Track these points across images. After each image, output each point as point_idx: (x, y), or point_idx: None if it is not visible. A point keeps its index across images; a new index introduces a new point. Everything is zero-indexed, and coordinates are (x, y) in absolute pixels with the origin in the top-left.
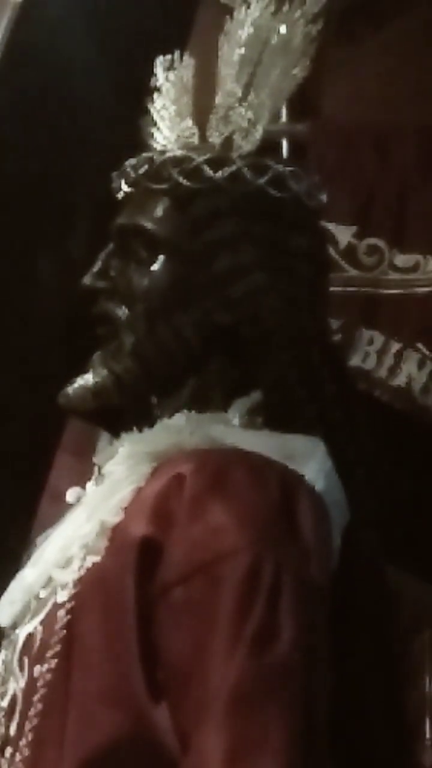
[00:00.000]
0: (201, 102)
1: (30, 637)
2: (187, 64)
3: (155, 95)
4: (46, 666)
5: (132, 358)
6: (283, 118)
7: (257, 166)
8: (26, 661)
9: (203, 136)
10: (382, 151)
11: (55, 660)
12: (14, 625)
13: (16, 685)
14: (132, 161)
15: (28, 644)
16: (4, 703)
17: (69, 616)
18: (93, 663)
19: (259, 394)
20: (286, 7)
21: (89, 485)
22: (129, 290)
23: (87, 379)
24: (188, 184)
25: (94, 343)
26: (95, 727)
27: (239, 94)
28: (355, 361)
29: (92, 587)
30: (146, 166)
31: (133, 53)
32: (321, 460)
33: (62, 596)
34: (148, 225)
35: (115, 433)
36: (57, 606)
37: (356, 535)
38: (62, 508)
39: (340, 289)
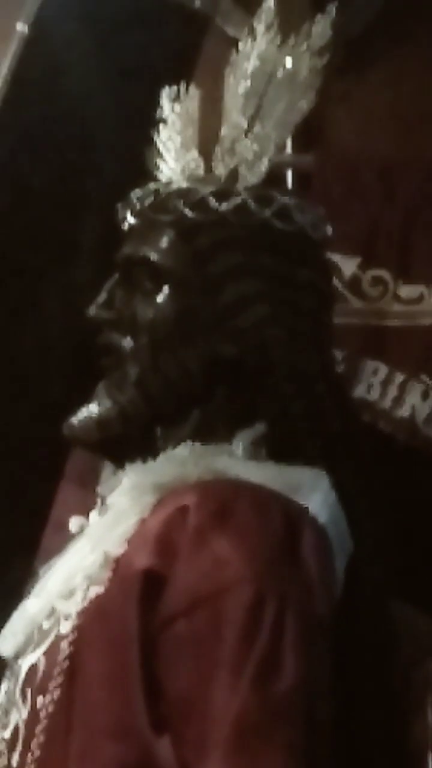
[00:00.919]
0: (206, 134)
1: (33, 668)
2: (192, 96)
3: (161, 127)
4: (48, 697)
5: (136, 389)
6: (289, 149)
7: (262, 198)
8: (29, 692)
9: (209, 168)
10: (387, 182)
11: (58, 691)
12: (17, 656)
13: (19, 716)
14: (137, 192)
15: (30, 675)
16: (7, 734)
17: (72, 648)
18: (95, 694)
19: (263, 425)
20: (292, 40)
21: (93, 516)
22: (134, 321)
23: (91, 410)
24: (193, 215)
25: (99, 374)
26: (97, 759)
27: (245, 126)
28: (359, 391)
29: (95, 618)
30: (151, 198)
31: (139, 85)
32: (325, 492)
33: (65, 627)
34: (153, 256)
35: (119, 463)
36: (60, 637)
37: (359, 568)
38: (66, 538)
39: (344, 320)
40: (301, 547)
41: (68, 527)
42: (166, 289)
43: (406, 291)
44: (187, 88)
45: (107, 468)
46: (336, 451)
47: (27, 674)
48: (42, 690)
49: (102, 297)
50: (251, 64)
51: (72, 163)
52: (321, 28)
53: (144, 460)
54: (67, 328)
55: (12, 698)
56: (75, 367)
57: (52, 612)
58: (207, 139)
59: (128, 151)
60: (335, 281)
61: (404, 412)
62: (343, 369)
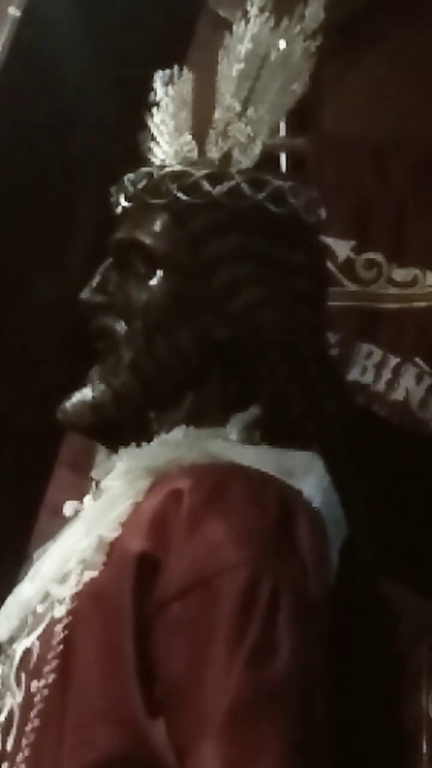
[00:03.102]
0: (200, 117)
1: (27, 652)
2: (186, 79)
3: (154, 110)
4: (43, 681)
5: (130, 373)
6: (282, 132)
7: (256, 181)
8: (23, 676)
9: (202, 151)
10: (381, 165)
11: (52, 675)
12: (11, 640)
13: (13, 700)
14: (131, 176)
15: (25, 659)
16: (1, 718)
17: (66, 632)
18: (90, 678)
19: (257, 409)
20: (285, 23)
21: (87, 500)
22: (127, 305)
23: (85, 394)
24: (187, 199)
25: (93, 358)
26: (92, 742)
27: (238, 109)
28: (353, 375)
29: (89, 602)
30: (145, 181)
31: (132, 68)
32: (319, 475)
33: (59, 611)
34: (147, 240)
35: (113, 447)
36: (54, 621)
37: (354, 551)
38: (60, 522)
39: (338, 303)
40: (295, 530)
41: (63, 512)
42: (159, 272)
43: (400, 274)
44: (180, 72)
45: (102, 452)
46: (330, 434)
47: (21, 658)
48: (36, 674)
49: (95, 281)
50: (244, 47)
51: (65, 146)
52: (314, 10)
53: (138, 444)
54: (60, 312)
55: (6, 682)
56: (69, 352)
57: (46, 596)
58: (200, 123)
59: (121, 134)
60: (329, 264)
61: (398, 395)
62: (337, 352)
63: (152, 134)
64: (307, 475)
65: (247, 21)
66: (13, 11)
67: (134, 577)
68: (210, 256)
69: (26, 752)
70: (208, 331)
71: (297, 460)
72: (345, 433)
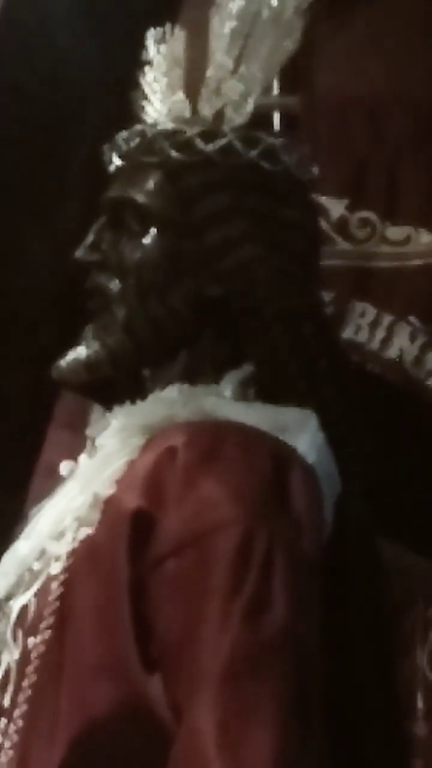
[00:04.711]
0: (192, 75)
1: (24, 609)
2: (178, 37)
3: (146, 68)
4: (39, 638)
5: (124, 331)
6: (275, 90)
7: (249, 138)
8: (20, 632)
9: (195, 109)
10: (374, 123)
11: (49, 631)
12: (8, 598)
13: (10, 656)
14: (123, 134)
15: (21, 616)
16: None
17: (62, 588)
18: (86, 635)
19: (251, 366)
20: None
21: (82, 458)
22: (121, 263)
23: (79, 352)
24: (180, 156)
25: (87, 317)
26: (89, 698)
27: (230, 66)
28: (347, 333)
29: (85, 559)
30: (138, 139)
31: (124, 26)
32: (313, 432)
33: (55, 568)
34: (140, 198)
35: (108, 405)
36: (50, 578)
37: (348, 508)
38: (55, 481)
39: (332, 262)
40: (289, 486)
41: (58, 470)
42: (152, 230)
43: (394, 232)
44: (172, 30)
45: (96, 410)
46: (324, 391)
47: (18, 615)
48: (33, 631)
49: (89, 239)
50: (236, 4)
51: (57, 106)
52: None
53: (132, 402)
54: (54, 270)
55: (3, 639)
56: (62, 310)
57: (42, 553)
58: (193, 81)
59: (113, 93)
60: (322, 223)
61: (392, 353)
62: (331, 311)
63: (145, 93)
64: (301, 432)
65: None
66: None
67: (129, 534)
68: (203, 214)
69: (23, 708)
70: (201, 289)
71: (291, 417)
72: (339, 390)
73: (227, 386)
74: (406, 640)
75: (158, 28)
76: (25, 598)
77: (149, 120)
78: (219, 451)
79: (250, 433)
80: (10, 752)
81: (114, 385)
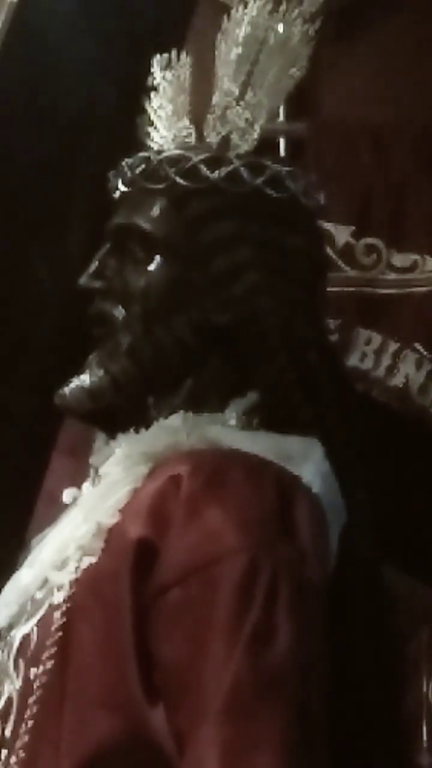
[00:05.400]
0: (198, 101)
1: (26, 638)
2: (184, 63)
3: (152, 94)
4: (41, 668)
5: (128, 359)
6: (281, 117)
7: (254, 165)
8: (22, 662)
9: (200, 136)
10: (380, 150)
11: (51, 662)
12: (10, 627)
13: (12, 687)
14: (129, 160)
15: (23, 646)
16: (0, 705)
17: (65, 618)
18: (89, 664)
19: (256, 394)
20: (283, 6)
21: (85, 486)
22: (125, 290)
23: (83, 380)
24: (185, 183)
25: (91, 344)
26: (91, 729)
27: (237, 93)
28: (352, 361)
29: (88, 588)
30: (143, 166)
31: (130, 52)
32: (318, 461)
33: (58, 597)
34: (145, 225)
35: (112, 433)
36: (53, 607)
37: (353, 537)
38: (58, 509)
39: (337, 289)
40: (294, 516)
41: (61, 498)
42: (157, 257)
43: (400, 259)
44: (178, 56)
45: (100, 438)
46: (329, 420)
47: (20, 645)
48: (35, 661)
49: (93, 266)
50: (243, 31)
51: (62, 131)
52: None
53: (136, 430)
54: (58, 298)
55: (5, 669)
56: (67, 338)
57: (44, 582)
58: (199, 107)
59: (119, 119)
60: (328, 250)
61: (398, 381)
62: (337, 338)
63: (150, 119)
64: (306, 461)
65: (246, 5)
66: None
67: (133, 563)
68: (208, 241)
69: (25, 739)
70: (206, 317)
71: (296, 446)
72: (344, 418)
73: (232, 414)
74: (411, 670)
75: (164, 55)
76: (27, 627)
77: (154, 146)
78: (223, 480)
79: (254, 462)
80: None
81: (118, 412)
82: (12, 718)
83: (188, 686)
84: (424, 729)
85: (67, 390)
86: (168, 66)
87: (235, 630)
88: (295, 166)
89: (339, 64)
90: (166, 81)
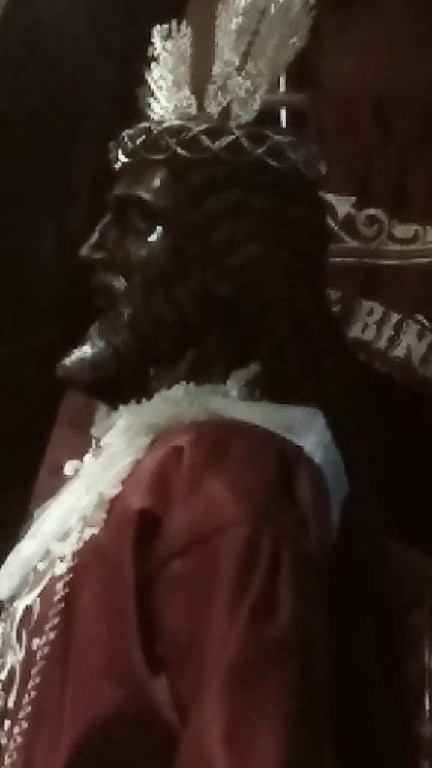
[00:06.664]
0: (199, 72)
1: (28, 609)
2: (184, 34)
3: (153, 65)
4: (44, 639)
5: (130, 330)
6: (282, 87)
7: (255, 135)
8: (24, 633)
9: (201, 106)
10: (381, 120)
11: (54, 633)
12: (12, 598)
13: (14, 658)
14: (129, 131)
15: (26, 617)
16: (2, 676)
17: (67, 589)
18: (91, 635)
19: (257, 365)
20: None
21: (87, 458)
22: (127, 261)
23: (85, 351)
24: (186, 154)
25: (92, 315)
26: (94, 699)
27: (237, 63)
28: (354, 332)
29: (90, 560)
30: (143, 137)
31: (131, 23)
32: (320, 432)
33: (60, 569)
34: (146, 195)
35: (113, 405)
36: (55, 579)
37: (355, 508)
38: (60, 481)
39: (339, 260)
40: (296, 486)
41: (63, 470)
42: (158, 228)
43: (401, 230)
44: (178, 26)
45: (101, 410)
46: (331, 390)
47: (22, 616)
48: (37, 632)
49: (94, 237)
50: (243, 1)
51: (63, 103)
52: None
53: (138, 401)
54: (60, 269)
55: (7, 640)
56: (68, 309)
57: (47, 554)
58: (199, 77)
59: (120, 90)
60: (329, 221)
61: (400, 352)
62: (338, 309)
63: (151, 89)
64: (308, 432)
65: None
66: None
67: (135, 534)
68: (209, 212)
69: (28, 709)
70: (207, 288)
71: (298, 417)
72: (346, 389)
73: (234, 385)
74: (414, 640)
75: (164, 25)
76: (30, 598)
77: (155, 117)
78: (225, 451)
79: (256, 433)
80: (15, 754)
81: (119, 384)
82: (15, 688)
83: (191, 657)
84: (427, 700)
85: (68, 361)
86: (168, 36)
87: (237, 601)
88: (296, 137)
89: (340, 33)
90: (167, 51)
